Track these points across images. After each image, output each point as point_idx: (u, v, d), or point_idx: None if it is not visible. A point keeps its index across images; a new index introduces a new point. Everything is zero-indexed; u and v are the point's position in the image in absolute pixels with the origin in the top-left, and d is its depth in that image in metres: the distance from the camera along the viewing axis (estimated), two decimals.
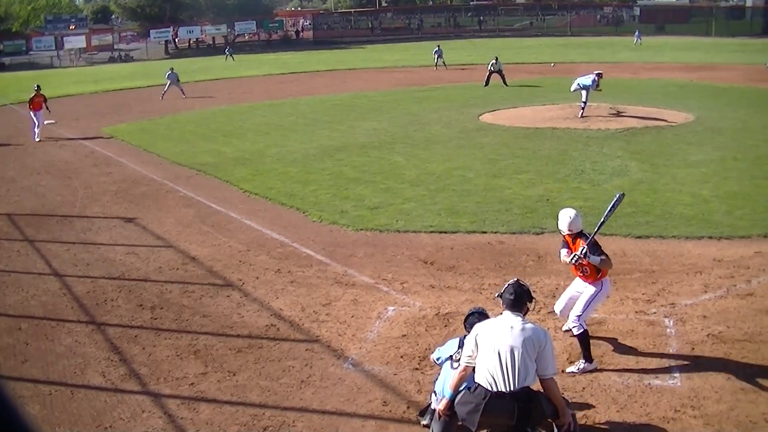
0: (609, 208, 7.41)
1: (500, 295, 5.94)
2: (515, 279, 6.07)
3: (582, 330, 7.30)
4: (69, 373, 7.62)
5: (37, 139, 23.16)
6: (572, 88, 22.97)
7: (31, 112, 23.47)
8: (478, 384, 5.64)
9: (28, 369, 7.76)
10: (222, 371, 7.54)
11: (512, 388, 5.51)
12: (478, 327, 5.83)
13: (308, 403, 6.89)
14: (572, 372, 7.24)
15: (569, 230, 7.41)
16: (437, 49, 42.82)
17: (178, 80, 33.33)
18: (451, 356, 6.42)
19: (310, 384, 7.22)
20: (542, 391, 5.67)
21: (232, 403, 6.94)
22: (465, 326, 6.68)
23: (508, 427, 5.66)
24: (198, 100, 31.96)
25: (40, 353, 8.12)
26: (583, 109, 22.39)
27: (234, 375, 7.46)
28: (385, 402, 6.83)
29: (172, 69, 33.91)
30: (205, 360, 7.81)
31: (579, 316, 7.32)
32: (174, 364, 7.73)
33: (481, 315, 6.74)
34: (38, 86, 24.04)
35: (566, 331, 7.86)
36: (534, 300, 5.98)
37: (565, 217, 7.44)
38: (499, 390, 5.53)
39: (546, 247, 10.80)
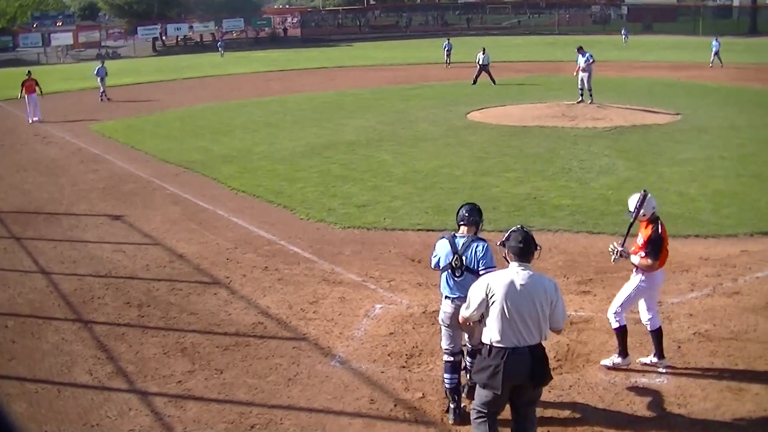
0: (635, 208, 7.28)
1: (503, 244, 5.49)
2: (520, 225, 5.64)
3: (618, 325, 7.13)
4: (56, 371, 7.58)
5: (31, 121, 25.52)
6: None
7: (26, 96, 25.84)
8: (493, 344, 5.34)
9: (15, 367, 7.71)
10: (209, 369, 7.52)
11: (532, 343, 5.28)
12: (488, 283, 5.42)
13: (295, 400, 6.88)
14: (605, 365, 7.18)
15: (643, 214, 7.23)
16: (447, 44, 42.25)
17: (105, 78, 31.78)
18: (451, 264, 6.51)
19: (298, 382, 7.21)
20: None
21: (219, 401, 6.92)
22: None
23: (524, 388, 5.39)
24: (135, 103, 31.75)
25: (27, 351, 8.07)
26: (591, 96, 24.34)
27: (221, 373, 7.44)
28: (372, 400, 6.83)
29: (102, 62, 33.45)
30: (192, 358, 7.79)
31: (616, 312, 7.15)
32: (161, 362, 7.71)
33: None
34: (29, 72, 27.11)
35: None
36: (539, 247, 5.52)
37: (633, 199, 7.25)
38: (517, 346, 5.26)
39: None
